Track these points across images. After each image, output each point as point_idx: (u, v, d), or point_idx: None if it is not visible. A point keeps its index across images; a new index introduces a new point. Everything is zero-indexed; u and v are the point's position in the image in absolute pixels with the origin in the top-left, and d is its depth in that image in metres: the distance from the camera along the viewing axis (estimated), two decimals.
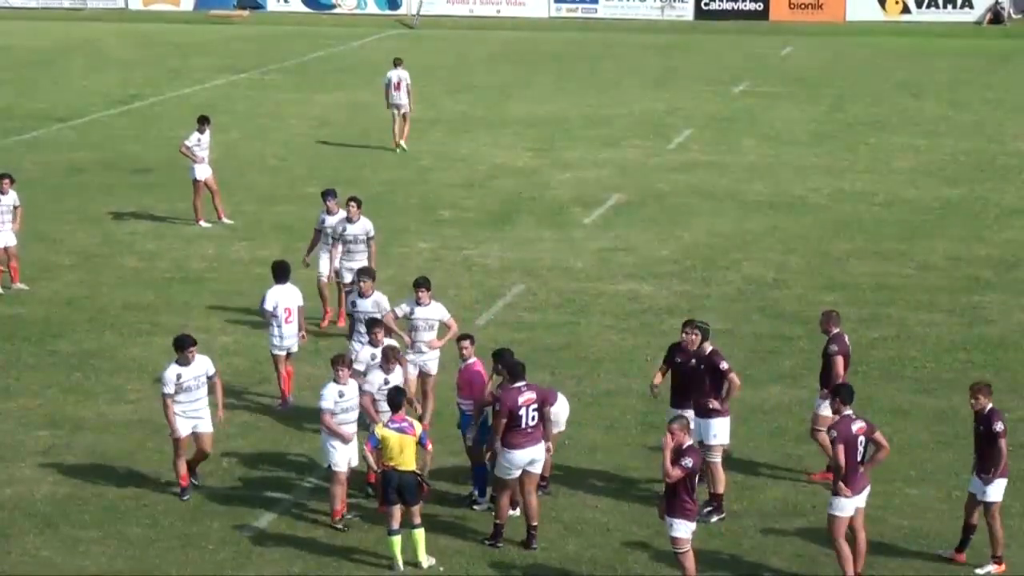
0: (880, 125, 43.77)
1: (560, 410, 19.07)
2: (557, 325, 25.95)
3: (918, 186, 36.16)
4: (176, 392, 18.87)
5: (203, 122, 32.66)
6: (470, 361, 18.96)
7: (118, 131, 43.44)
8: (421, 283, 21.20)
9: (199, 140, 32.39)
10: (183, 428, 18.97)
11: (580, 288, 28.06)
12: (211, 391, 19.24)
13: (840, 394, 16.85)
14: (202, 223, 32.44)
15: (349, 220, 25.12)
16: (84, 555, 17.72)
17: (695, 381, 18.58)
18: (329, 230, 25.40)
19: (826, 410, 18.27)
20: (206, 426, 19.15)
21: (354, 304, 21.58)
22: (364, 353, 19.61)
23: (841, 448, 16.39)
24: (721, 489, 18.52)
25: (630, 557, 17.64)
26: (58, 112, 46.07)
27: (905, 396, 22.59)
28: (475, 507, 18.87)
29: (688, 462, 16.13)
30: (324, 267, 25.53)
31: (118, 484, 19.60)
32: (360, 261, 24.57)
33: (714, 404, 18.40)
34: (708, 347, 18.62)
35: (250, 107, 47.16)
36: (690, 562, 16.38)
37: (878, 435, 16.86)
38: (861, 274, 28.87)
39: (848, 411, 16.70)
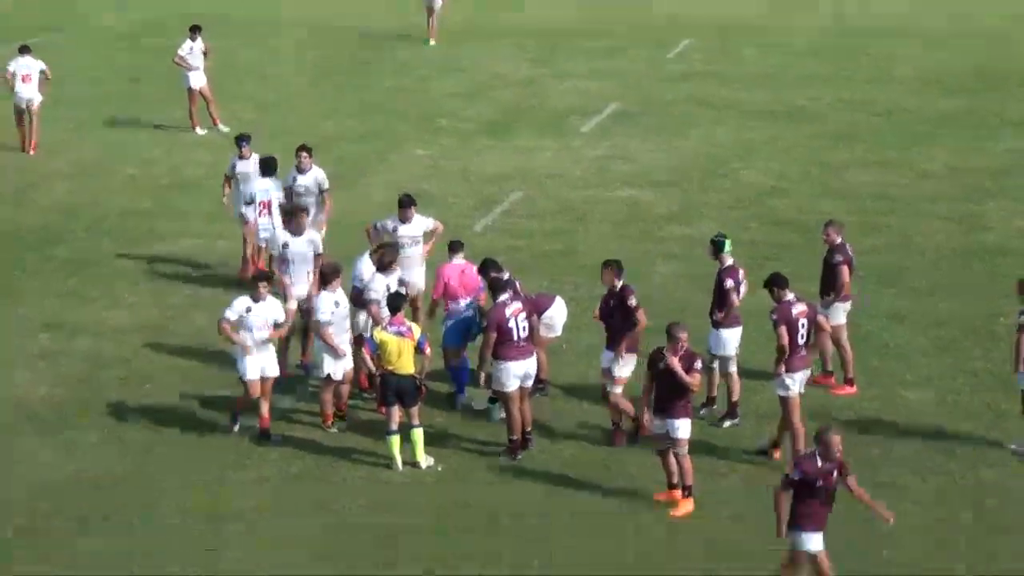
0: (881, 33, 43.51)
1: (557, 315, 19.12)
2: (555, 232, 25.90)
3: (918, 95, 36.00)
4: (239, 327, 18.06)
5: (195, 30, 32.83)
6: (457, 263, 19.06)
7: (112, 41, 43.18)
8: (405, 202, 20.31)
9: (191, 48, 32.42)
10: (252, 370, 18.13)
11: (578, 196, 27.99)
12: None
13: (774, 282, 17.38)
14: (198, 130, 32.40)
15: (299, 170, 22.63)
16: (83, 458, 17.75)
17: (712, 291, 18.61)
18: (240, 176, 23.58)
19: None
20: (272, 370, 18.35)
21: (285, 245, 19.83)
22: (366, 269, 19.26)
23: (784, 329, 17.09)
24: (736, 396, 18.65)
25: (625, 457, 17.70)
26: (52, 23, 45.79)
27: (903, 302, 22.59)
28: (459, 405, 18.99)
29: (699, 364, 16.44)
30: (252, 215, 22.72)
31: (116, 388, 19.62)
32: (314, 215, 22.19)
33: (718, 316, 18.51)
34: (728, 260, 18.56)
35: (248, 14, 46.82)
36: (688, 463, 16.47)
37: (820, 319, 17.66)
38: (861, 183, 28.80)
39: (789, 295, 17.28)
